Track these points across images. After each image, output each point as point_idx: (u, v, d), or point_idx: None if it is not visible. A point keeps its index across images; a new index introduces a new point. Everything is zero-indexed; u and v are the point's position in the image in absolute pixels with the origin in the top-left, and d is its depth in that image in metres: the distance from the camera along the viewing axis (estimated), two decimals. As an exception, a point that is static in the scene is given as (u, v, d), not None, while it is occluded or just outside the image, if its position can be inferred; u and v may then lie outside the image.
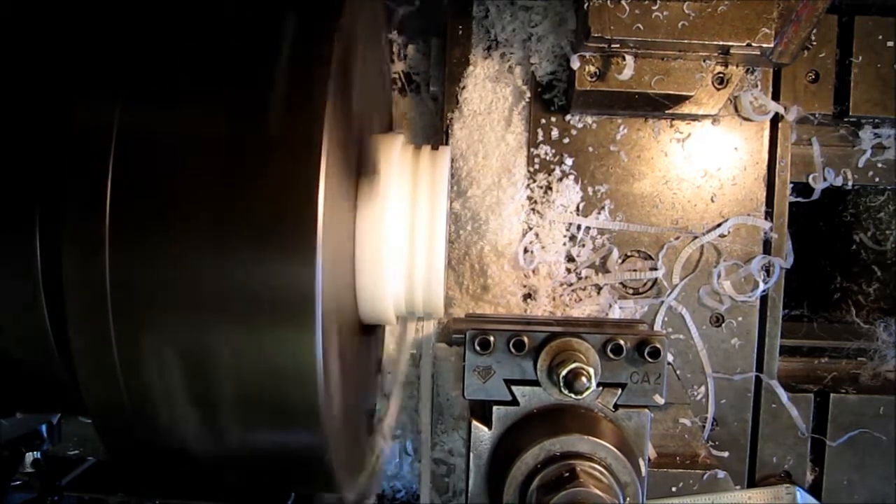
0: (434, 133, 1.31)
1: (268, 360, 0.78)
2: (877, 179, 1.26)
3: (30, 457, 1.07)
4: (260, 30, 0.81)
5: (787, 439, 1.26)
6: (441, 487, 1.27)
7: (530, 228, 1.23)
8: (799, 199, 1.28)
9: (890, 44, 1.18)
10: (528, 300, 1.23)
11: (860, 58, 1.19)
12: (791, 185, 1.24)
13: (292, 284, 0.76)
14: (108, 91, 0.79)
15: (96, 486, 1.10)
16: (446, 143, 1.22)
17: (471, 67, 1.22)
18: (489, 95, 1.22)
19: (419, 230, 0.97)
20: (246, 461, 0.90)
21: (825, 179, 1.25)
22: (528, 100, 1.22)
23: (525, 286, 1.23)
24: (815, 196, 1.27)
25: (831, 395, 1.25)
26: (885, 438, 1.24)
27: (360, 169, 0.96)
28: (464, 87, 1.22)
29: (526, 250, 1.22)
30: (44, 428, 1.09)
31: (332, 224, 0.81)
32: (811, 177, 1.25)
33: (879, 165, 1.26)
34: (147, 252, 0.77)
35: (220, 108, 0.79)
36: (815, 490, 1.27)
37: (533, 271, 1.22)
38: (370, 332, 1.13)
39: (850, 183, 1.26)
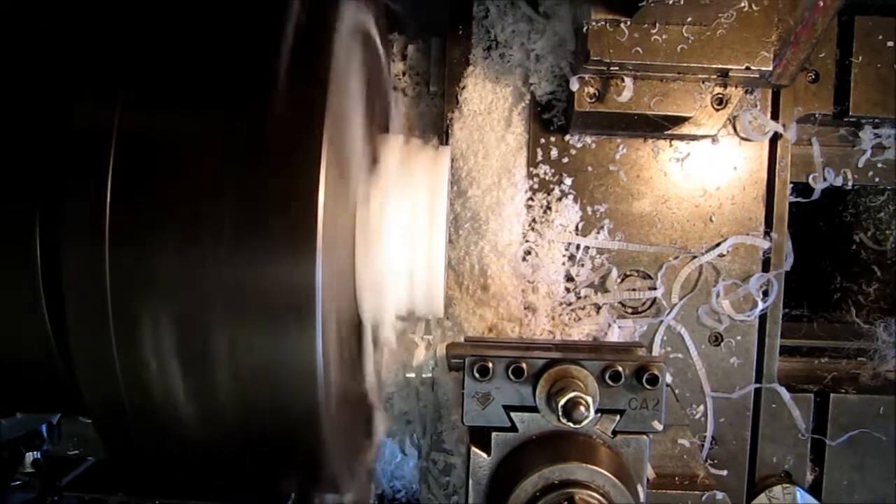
0: (434, 133, 1.31)
1: (267, 360, 0.78)
2: (877, 179, 1.26)
3: (30, 457, 1.07)
4: (260, 30, 0.81)
5: (787, 439, 1.26)
6: (441, 486, 1.27)
7: (529, 252, 1.22)
8: (799, 199, 1.28)
9: (890, 44, 1.18)
10: (528, 296, 1.23)
11: (860, 58, 1.18)
12: (791, 185, 1.24)
13: (292, 284, 0.76)
14: (108, 91, 0.79)
15: (96, 486, 1.10)
16: (446, 143, 1.22)
17: (471, 67, 1.22)
18: (489, 95, 1.22)
19: (419, 230, 0.97)
20: (246, 461, 0.90)
21: (825, 179, 1.25)
22: (528, 100, 1.21)
23: (524, 302, 1.23)
24: (815, 196, 1.27)
25: (831, 395, 1.25)
26: (885, 438, 1.24)
27: (360, 166, 0.96)
28: (464, 87, 1.22)
29: (527, 252, 1.22)
30: (44, 428, 1.09)
31: (333, 224, 0.81)
32: (811, 177, 1.25)
33: (879, 165, 1.26)
34: (147, 252, 0.77)
35: (220, 108, 0.79)
36: (815, 490, 1.27)
37: (532, 289, 1.22)
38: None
39: (850, 183, 1.26)
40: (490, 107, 1.22)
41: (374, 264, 0.94)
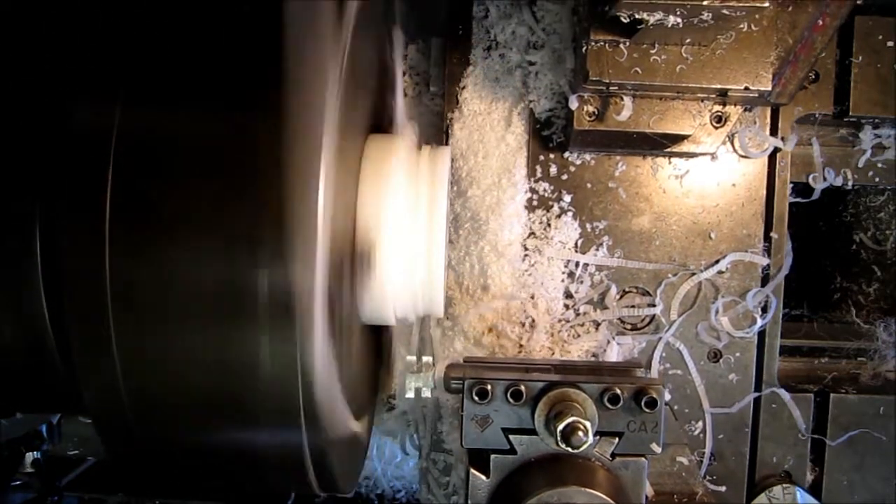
0: (434, 133, 1.31)
1: (267, 361, 0.78)
2: (877, 179, 1.26)
3: (30, 457, 1.07)
4: (260, 30, 0.81)
5: (787, 439, 1.26)
6: (441, 486, 1.27)
7: (527, 258, 1.22)
8: (799, 200, 1.28)
9: (890, 44, 1.18)
10: (528, 310, 1.23)
11: (860, 58, 1.18)
12: (791, 186, 1.24)
13: (293, 284, 0.76)
14: (108, 91, 0.79)
15: (96, 486, 1.10)
16: (446, 143, 1.22)
17: (471, 67, 1.22)
18: (489, 95, 1.22)
19: (419, 230, 0.97)
20: (246, 461, 0.90)
21: (825, 179, 1.25)
22: (527, 101, 1.22)
23: (525, 313, 1.23)
24: (815, 196, 1.27)
25: (831, 395, 1.25)
26: (885, 438, 1.24)
27: (360, 166, 0.96)
28: (464, 87, 1.22)
29: (527, 259, 1.22)
30: (44, 428, 1.09)
31: (333, 224, 0.81)
32: (811, 177, 1.25)
33: (879, 165, 1.26)
34: (147, 252, 0.77)
35: (220, 108, 0.79)
36: (815, 490, 1.27)
37: (532, 305, 1.22)
38: (371, 332, 1.13)
39: (850, 183, 1.26)
40: (490, 107, 1.22)
41: (375, 264, 0.94)
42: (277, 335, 0.77)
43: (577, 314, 1.24)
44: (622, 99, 1.07)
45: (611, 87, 1.02)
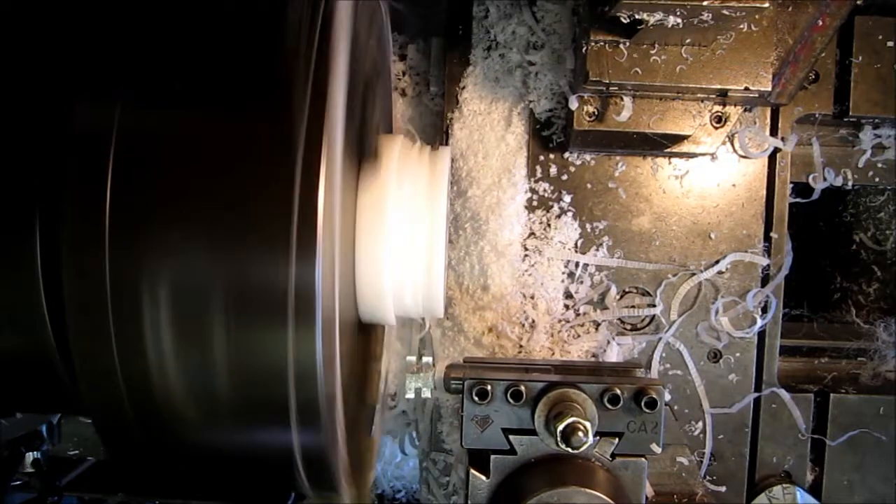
0: (434, 133, 1.31)
1: (267, 360, 0.78)
2: (877, 179, 1.26)
3: (30, 457, 1.07)
4: (260, 30, 0.81)
5: (787, 439, 1.26)
6: (441, 486, 1.27)
7: (527, 258, 1.22)
8: (799, 200, 1.28)
9: (890, 44, 1.18)
10: (528, 311, 1.23)
11: (860, 58, 1.19)
12: (791, 186, 1.24)
13: (292, 283, 0.76)
14: (108, 91, 0.79)
15: (96, 486, 1.09)
16: (446, 143, 1.22)
17: (471, 67, 1.22)
18: (489, 95, 1.22)
19: (419, 230, 0.97)
20: (246, 461, 0.90)
21: (825, 179, 1.25)
22: (527, 101, 1.22)
23: (525, 314, 1.24)
24: (815, 196, 1.27)
25: (831, 395, 1.25)
26: (885, 438, 1.24)
27: (360, 166, 0.96)
28: (464, 87, 1.22)
29: (527, 260, 1.22)
30: (44, 428, 1.09)
31: (332, 223, 0.81)
32: (811, 177, 1.25)
33: (879, 165, 1.26)
34: (147, 252, 0.77)
35: (220, 108, 0.79)
36: (815, 490, 1.27)
37: (532, 306, 1.22)
38: (370, 331, 1.13)
39: (850, 183, 1.26)
40: (490, 107, 1.22)
41: (374, 264, 0.94)
42: (277, 334, 0.77)
43: (577, 314, 1.24)
44: (622, 99, 1.07)
45: (611, 88, 1.02)
